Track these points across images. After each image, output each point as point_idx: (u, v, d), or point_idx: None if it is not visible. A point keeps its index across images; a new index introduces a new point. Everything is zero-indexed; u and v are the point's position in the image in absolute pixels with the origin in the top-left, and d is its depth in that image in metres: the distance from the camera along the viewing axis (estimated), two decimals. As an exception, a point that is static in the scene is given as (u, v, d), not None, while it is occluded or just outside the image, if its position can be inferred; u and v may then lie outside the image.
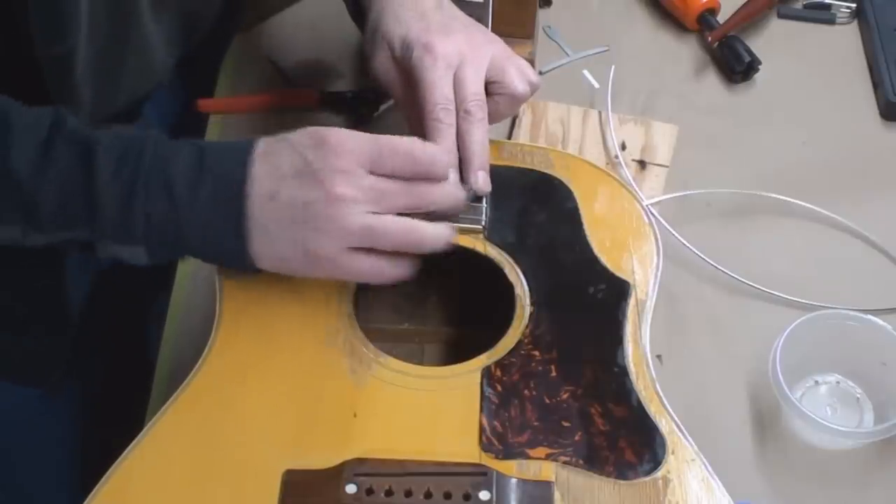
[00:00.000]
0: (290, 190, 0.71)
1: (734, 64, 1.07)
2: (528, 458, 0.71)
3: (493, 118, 0.82)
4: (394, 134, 0.89)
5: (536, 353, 0.77)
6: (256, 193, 0.71)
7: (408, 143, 0.74)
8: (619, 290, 0.80)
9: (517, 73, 0.83)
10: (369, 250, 0.73)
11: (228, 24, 1.00)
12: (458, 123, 0.79)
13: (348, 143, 0.72)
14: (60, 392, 0.97)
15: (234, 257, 0.74)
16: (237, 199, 0.71)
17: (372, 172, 0.72)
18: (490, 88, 0.82)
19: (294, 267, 0.74)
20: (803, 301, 0.90)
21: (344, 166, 0.71)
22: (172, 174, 0.71)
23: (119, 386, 0.98)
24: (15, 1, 0.71)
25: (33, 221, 0.71)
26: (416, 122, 0.80)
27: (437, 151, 0.76)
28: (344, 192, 0.71)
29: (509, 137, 1.00)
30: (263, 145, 0.73)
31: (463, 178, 0.78)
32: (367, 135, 0.73)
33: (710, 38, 1.08)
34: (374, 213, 0.72)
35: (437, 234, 0.75)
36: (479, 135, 0.79)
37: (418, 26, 0.81)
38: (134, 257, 0.73)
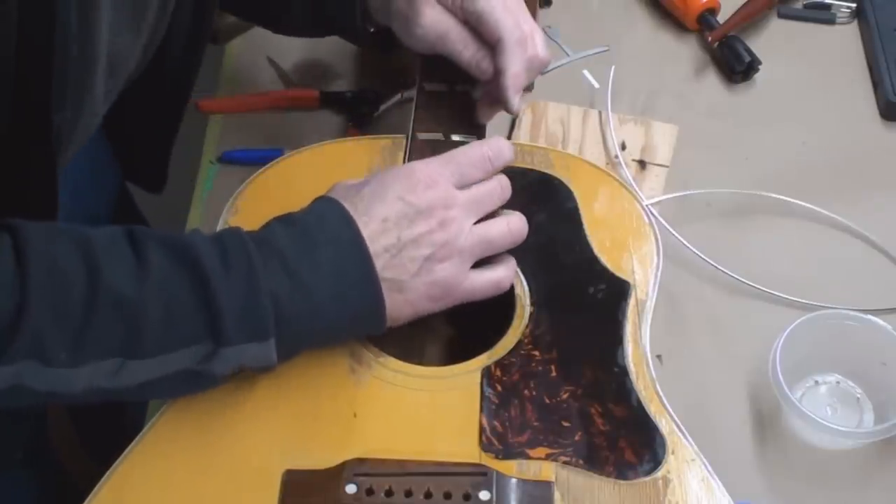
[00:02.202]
0: (406, 235, 0.72)
1: (734, 64, 1.07)
2: (528, 458, 0.71)
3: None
4: (394, 133, 0.90)
5: (536, 353, 0.77)
6: (378, 253, 0.71)
7: (477, 150, 0.77)
8: (619, 290, 0.80)
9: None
10: (482, 266, 0.76)
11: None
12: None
13: (434, 172, 0.74)
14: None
15: (367, 318, 0.72)
16: (361, 257, 0.71)
17: (459, 187, 0.75)
18: None
19: (426, 307, 0.75)
20: (803, 301, 0.90)
21: (441, 194, 0.74)
22: (281, 248, 0.69)
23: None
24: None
25: (136, 347, 0.65)
26: (480, 63, 0.83)
27: (500, 141, 0.79)
28: (452, 216, 0.74)
29: (509, 137, 1.00)
30: (348, 203, 0.73)
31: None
32: (442, 157, 0.76)
33: (710, 38, 1.08)
34: (476, 223, 0.75)
35: (522, 220, 0.78)
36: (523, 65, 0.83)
37: None
38: (261, 357, 0.69)
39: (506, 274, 0.78)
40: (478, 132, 0.85)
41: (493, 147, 0.78)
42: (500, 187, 0.78)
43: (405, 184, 0.74)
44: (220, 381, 0.70)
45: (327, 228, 0.71)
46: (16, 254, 0.63)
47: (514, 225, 0.78)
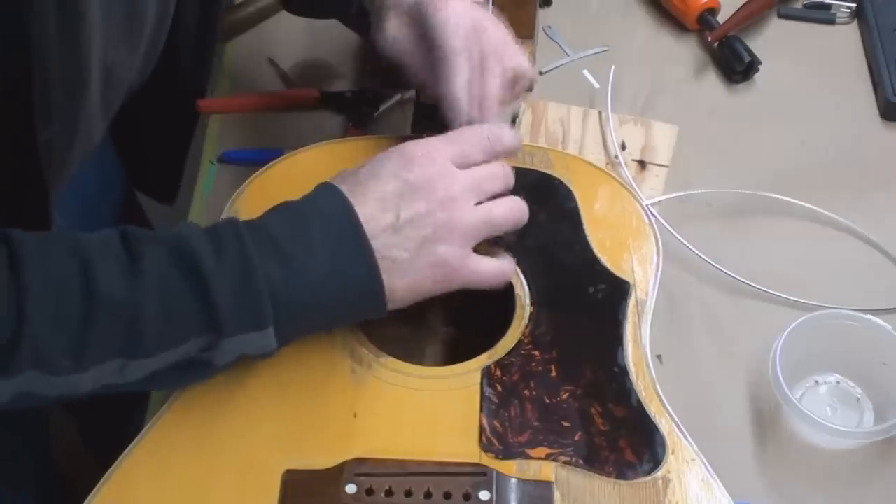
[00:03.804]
0: (406, 213, 0.70)
1: (734, 64, 1.07)
2: (528, 458, 0.71)
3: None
4: (394, 133, 0.90)
5: (536, 353, 0.77)
6: (375, 234, 0.69)
7: (477, 130, 0.75)
8: (619, 290, 0.80)
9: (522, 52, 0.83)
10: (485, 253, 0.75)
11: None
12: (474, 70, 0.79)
13: (432, 149, 0.73)
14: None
15: (366, 299, 0.70)
16: (355, 234, 0.69)
17: (460, 167, 0.73)
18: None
19: (427, 288, 0.73)
20: (803, 301, 0.90)
21: (440, 171, 0.72)
22: (275, 234, 0.68)
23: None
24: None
25: (136, 347, 0.65)
26: (432, 79, 0.80)
27: (503, 127, 0.77)
28: (453, 194, 0.72)
29: (509, 137, 1.00)
30: (345, 185, 0.71)
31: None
32: (441, 136, 0.74)
33: (710, 38, 1.08)
34: (478, 203, 0.73)
35: (522, 202, 0.76)
36: (494, 87, 0.80)
37: None
38: (261, 345, 0.68)
39: (509, 265, 0.77)
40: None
41: (494, 131, 0.76)
42: (504, 171, 0.76)
43: (400, 161, 0.72)
44: (224, 368, 0.70)
45: (321, 210, 0.70)
46: (11, 265, 0.63)
47: (516, 205, 0.76)
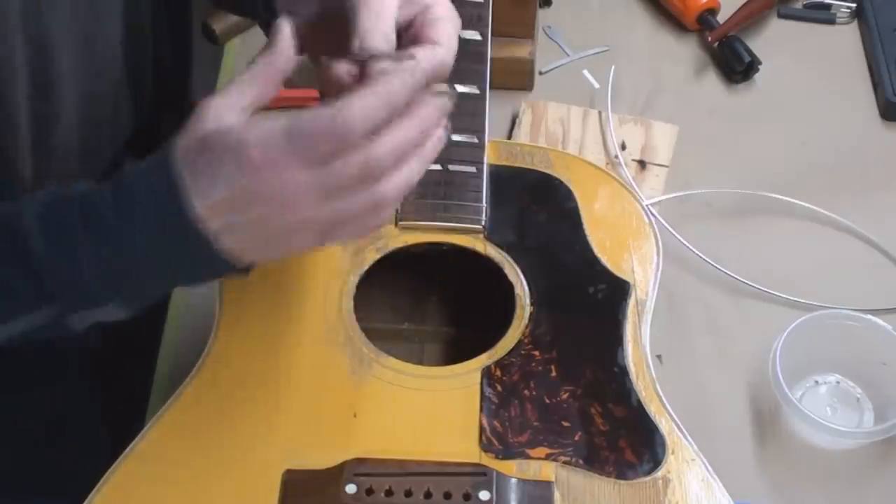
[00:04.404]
0: (240, 220, 0.62)
1: (734, 64, 1.07)
2: (528, 458, 0.71)
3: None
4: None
5: (536, 353, 0.77)
6: (209, 230, 0.62)
7: (325, 119, 0.61)
8: (619, 290, 0.80)
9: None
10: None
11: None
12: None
13: (271, 150, 0.61)
14: None
15: (207, 265, 0.64)
16: (184, 238, 0.62)
17: (309, 162, 0.62)
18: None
19: (279, 256, 0.67)
20: (803, 301, 0.90)
21: (280, 177, 0.61)
22: (105, 217, 0.63)
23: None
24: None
25: None
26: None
27: (352, 108, 0.61)
28: (296, 199, 0.62)
29: (509, 137, 1.00)
30: (188, 172, 0.62)
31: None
32: (280, 128, 0.62)
33: (710, 38, 1.08)
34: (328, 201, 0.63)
35: (397, 191, 0.64)
36: None
37: None
38: (110, 315, 0.65)
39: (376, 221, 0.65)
40: (477, 130, 0.85)
41: (343, 113, 0.61)
42: (358, 161, 0.62)
43: (237, 164, 0.61)
44: (84, 326, 0.67)
45: (149, 202, 0.63)
46: None
47: (385, 200, 0.63)
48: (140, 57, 0.83)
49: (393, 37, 0.66)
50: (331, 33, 0.70)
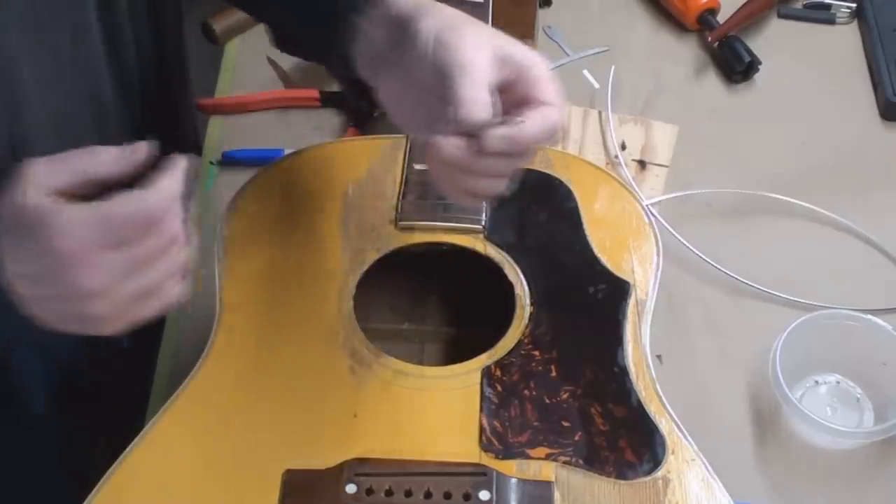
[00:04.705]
0: (42, 294, 0.63)
1: (734, 64, 1.07)
2: (528, 458, 0.71)
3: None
4: (394, 133, 0.89)
5: (536, 353, 0.77)
6: (17, 294, 0.63)
7: (135, 205, 0.61)
8: (619, 290, 0.80)
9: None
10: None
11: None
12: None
13: (75, 240, 0.60)
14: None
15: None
16: None
17: (110, 247, 0.62)
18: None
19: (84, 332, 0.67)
20: (803, 301, 0.90)
21: (78, 260, 0.61)
22: None
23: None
24: None
25: None
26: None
27: (161, 200, 0.62)
28: (91, 288, 0.62)
29: (509, 137, 1.00)
30: (6, 236, 0.62)
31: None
32: (90, 216, 0.61)
33: (710, 38, 1.08)
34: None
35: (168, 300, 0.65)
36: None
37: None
38: None
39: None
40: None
41: (160, 198, 0.61)
42: (166, 248, 0.63)
43: (41, 248, 0.61)
44: None
45: None
46: None
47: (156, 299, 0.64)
48: (125, 67, 0.82)
49: (491, 102, 0.65)
50: (421, 106, 0.69)
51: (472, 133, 0.66)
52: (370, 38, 0.71)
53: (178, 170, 0.63)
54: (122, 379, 0.97)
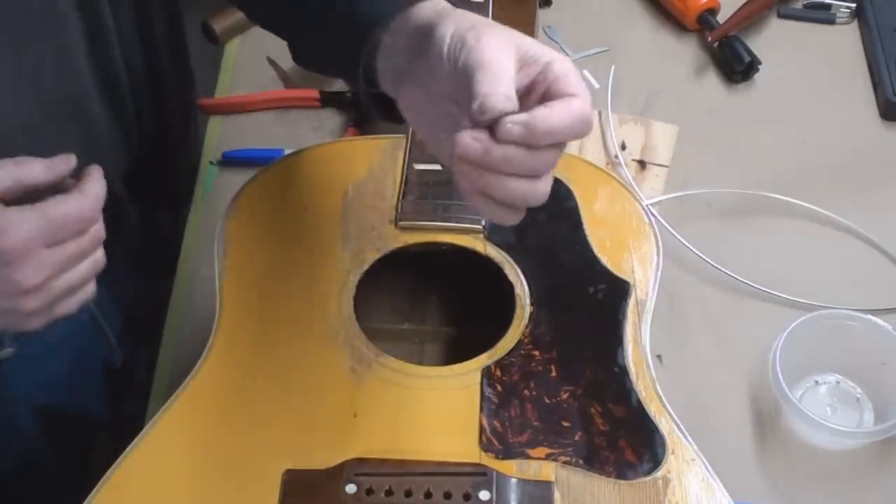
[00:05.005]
0: None
1: (734, 64, 1.07)
2: (528, 458, 0.71)
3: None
4: (394, 133, 0.89)
5: (536, 353, 0.77)
6: None
7: (74, 206, 0.67)
8: (619, 290, 0.80)
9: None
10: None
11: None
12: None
13: (19, 240, 0.65)
14: None
15: None
16: None
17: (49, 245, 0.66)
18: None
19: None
20: (803, 301, 0.90)
21: (19, 260, 0.65)
22: None
23: None
24: None
25: None
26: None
27: (92, 201, 0.68)
28: (27, 286, 0.66)
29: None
30: None
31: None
32: (31, 215, 0.65)
33: (710, 38, 1.08)
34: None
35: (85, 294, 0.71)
36: None
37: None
38: None
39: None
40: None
41: (91, 200, 0.67)
42: (92, 251, 0.69)
43: None
44: None
45: None
46: None
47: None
48: (109, 66, 0.82)
49: (514, 97, 0.64)
50: (443, 115, 0.68)
51: (494, 128, 0.63)
52: (393, 50, 0.70)
53: (101, 176, 0.69)
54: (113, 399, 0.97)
